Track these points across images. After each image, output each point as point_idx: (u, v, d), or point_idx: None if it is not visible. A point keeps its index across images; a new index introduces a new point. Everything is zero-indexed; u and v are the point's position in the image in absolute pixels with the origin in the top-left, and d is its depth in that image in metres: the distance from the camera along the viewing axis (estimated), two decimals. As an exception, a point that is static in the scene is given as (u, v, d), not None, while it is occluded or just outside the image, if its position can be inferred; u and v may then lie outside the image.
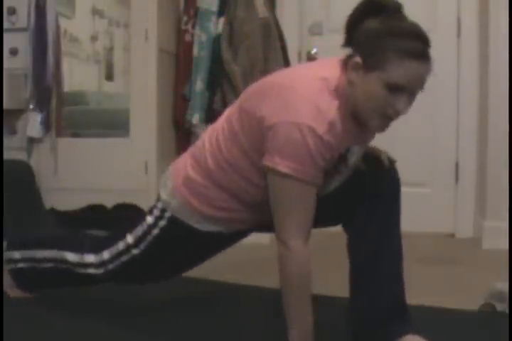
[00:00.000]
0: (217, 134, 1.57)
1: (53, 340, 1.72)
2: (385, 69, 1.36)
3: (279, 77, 1.55)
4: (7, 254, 1.98)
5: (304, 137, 1.38)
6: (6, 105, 3.01)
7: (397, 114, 1.42)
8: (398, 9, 1.41)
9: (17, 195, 2.89)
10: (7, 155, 3.06)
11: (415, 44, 1.36)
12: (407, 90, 1.39)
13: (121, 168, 2.97)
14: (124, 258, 1.72)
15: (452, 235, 3.46)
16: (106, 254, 1.75)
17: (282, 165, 1.40)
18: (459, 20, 3.43)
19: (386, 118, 1.43)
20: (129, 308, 2.01)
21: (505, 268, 2.18)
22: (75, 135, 3.48)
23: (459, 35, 3.44)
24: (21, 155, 3.14)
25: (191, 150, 1.68)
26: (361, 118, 1.45)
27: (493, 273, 2.36)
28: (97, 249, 1.78)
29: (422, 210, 3.41)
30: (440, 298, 2.15)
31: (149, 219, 1.68)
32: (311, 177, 1.43)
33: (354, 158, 1.54)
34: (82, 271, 1.80)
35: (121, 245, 1.73)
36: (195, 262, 1.79)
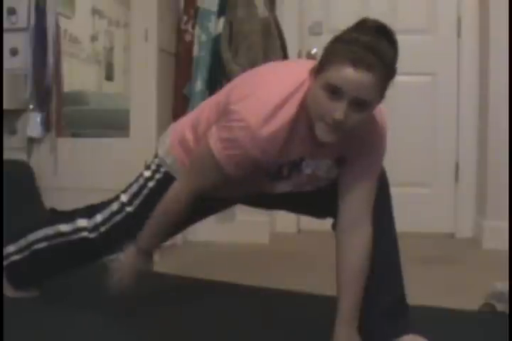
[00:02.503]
0: (211, 105, 1.62)
1: (53, 340, 1.72)
2: (326, 71, 1.35)
3: (257, 74, 1.58)
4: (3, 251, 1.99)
5: (245, 137, 1.41)
6: (6, 105, 3.01)
7: (334, 121, 1.36)
8: (375, 28, 1.34)
9: (17, 195, 2.88)
10: (7, 155, 3.06)
11: (362, 53, 1.31)
12: (345, 96, 1.34)
13: (121, 168, 2.96)
14: (117, 218, 1.79)
15: (452, 235, 3.46)
16: (99, 217, 1.82)
17: (215, 141, 1.46)
18: (459, 19, 3.43)
19: (328, 126, 1.38)
20: (128, 307, 2.01)
21: (505, 268, 2.18)
22: (75, 135, 3.48)
23: (459, 34, 3.44)
24: (21, 155, 3.14)
25: (192, 113, 1.73)
26: (312, 128, 1.43)
27: (493, 273, 2.36)
28: (90, 214, 1.84)
29: (422, 210, 3.41)
30: (440, 298, 2.15)
31: (146, 173, 1.77)
32: (226, 162, 1.47)
33: (310, 170, 1.56)
34: (75, 236, 1.84)
35: (115, 206, 1.80)
36: (185, 222, 1.82)
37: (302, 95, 1.44)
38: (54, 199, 3.08)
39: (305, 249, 3.06)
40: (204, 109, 1.66)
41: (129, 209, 1.78)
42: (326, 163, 1.57)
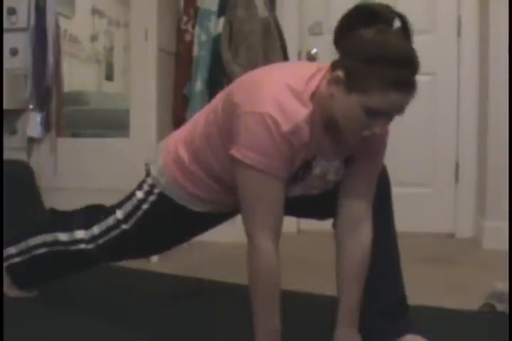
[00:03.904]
0: (209, 112, 1.57)
1: (53, 340, 1.72)
2: (367, 94, 1.33)
3: (260, 71, 1.55)
4: (4, 252, 1.99)
5: (268, 128, 1.36)
6: (6, 105, 3.01)
7: (373, 135, 1.39)
8: (390, 20, 1.36)
9: (17, 195, 2.88)
10: (7, 155, 3.06)
11: (402, 73, 1.31)
12: (386, 115, 1.37)
13: (121, 168, 2.97)
14: (114, 232, 1.76)
15: (452, 235, 3.46)
16: (96, 229, 1.79)
17: (244, 156, 1.39)
18: (459, 19, 3.43)
19: (362, 137, 1.41)
20: (128, 307, 2.01)
21: (505, 268, 2.18)
22: (75, 135, 3.49)
23: (459, 34, 3.44)
24: (21, 155, 3.14)
25: (185, 127, 1.69)
26: (336, 131, 1.42)
27: (493, 273, 2.36)
28: (87, 225, 1.82)
29: (422, 210, 3.41)
30: (440, 298, 2.15)
31: (139, 194, 1.70)
32: (274, 169, 1.40)
33: (319, 170, 1.52)
34: (74, 248, 1.83)
35: (111, 220, 1.76)
36: (182, 238, 1.84)
37: (311, 93, 1.41)
38: (54, 199, 3.08)
39: (305, 249, 3.06)
40: (199, 117, 1.61)
41: (124, 226, 1.74)
42: (335, 164, 1.54)
